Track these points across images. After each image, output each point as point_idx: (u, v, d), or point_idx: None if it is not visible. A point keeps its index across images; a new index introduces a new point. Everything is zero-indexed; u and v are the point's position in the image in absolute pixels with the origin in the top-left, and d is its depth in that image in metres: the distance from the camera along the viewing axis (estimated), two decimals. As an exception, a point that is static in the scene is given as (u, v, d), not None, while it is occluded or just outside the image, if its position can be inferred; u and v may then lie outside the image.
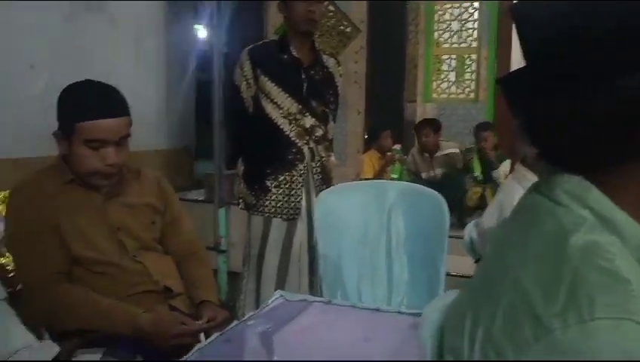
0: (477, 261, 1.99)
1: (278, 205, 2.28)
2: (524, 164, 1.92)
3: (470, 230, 2.03)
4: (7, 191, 2.23)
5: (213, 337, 1.34)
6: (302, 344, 1.33)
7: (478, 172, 3.99)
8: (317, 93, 2.31)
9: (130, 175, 1.65)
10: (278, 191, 2.27)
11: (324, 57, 2.36)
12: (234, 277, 2.66)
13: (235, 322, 1.42)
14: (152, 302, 1.55)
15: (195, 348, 1.27)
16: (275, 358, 1.21)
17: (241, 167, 2.36)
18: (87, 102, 1.49)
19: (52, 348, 1.30)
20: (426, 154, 4.23)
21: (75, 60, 2.66)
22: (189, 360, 1.21)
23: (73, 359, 1.32)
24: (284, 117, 2.26)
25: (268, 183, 2.27)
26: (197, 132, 3.54)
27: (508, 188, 1.99)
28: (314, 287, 2.25)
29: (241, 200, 2.37)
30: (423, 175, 4.18)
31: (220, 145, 2.75)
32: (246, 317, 1.46)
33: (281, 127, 2.26)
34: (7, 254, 1.68)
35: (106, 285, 1.51)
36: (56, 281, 1.47)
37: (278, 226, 2.28)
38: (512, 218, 0.63)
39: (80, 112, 1.47)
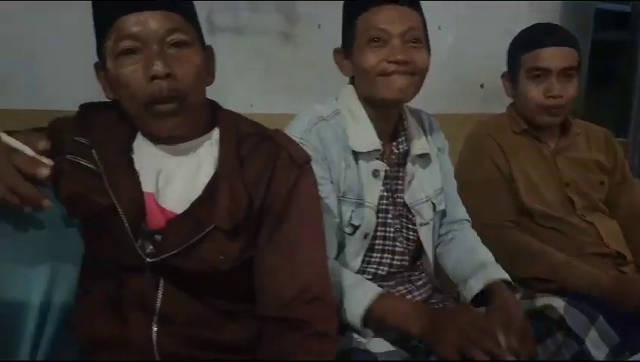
0: None
1: None
2: None
3: None
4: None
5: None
6: None
7: None
8: None
9: (578, 128, 1.61)
10: None
11: None
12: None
13: None
14: (601, 266, 1.48)
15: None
16: None
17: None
18: (532, 35, 1.55)
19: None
20: None
21: (475, 22, 2.69)
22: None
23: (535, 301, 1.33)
24: None
25: None
26: (586, 97, 3.29)
27: None
28: None
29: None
30: None
31: (637, 110, 2.46)
32: None
33: None
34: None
35: (555, 241, 1.50)
36: (506, 228, 1.52)
37: None
38: None
39: (525, 44, 1.55)
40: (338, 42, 2.46)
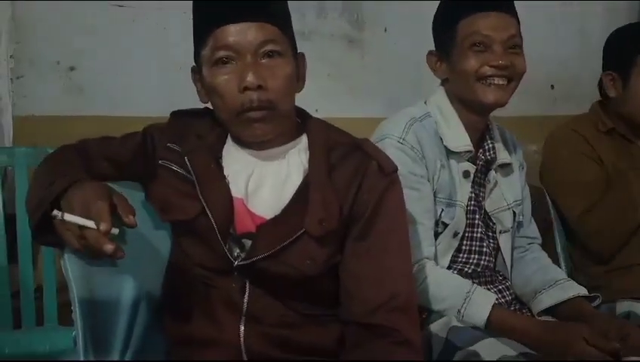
0: None
1: None
2: None
3: None
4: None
5: None
6: None
7: None
8: None
9: None
10: None
11: None
12: None
13: None
14: None
15: None
16: None
17: None
18: None
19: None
20: None
21: (546, 22, 2.59)
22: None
23: None
24: None
25: None
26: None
27: None
28: None
29: None
30: None
31: None
32: None
33: None
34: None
35: None
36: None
37: None
38: None
39: None
40: (404, 46, 2.44)
